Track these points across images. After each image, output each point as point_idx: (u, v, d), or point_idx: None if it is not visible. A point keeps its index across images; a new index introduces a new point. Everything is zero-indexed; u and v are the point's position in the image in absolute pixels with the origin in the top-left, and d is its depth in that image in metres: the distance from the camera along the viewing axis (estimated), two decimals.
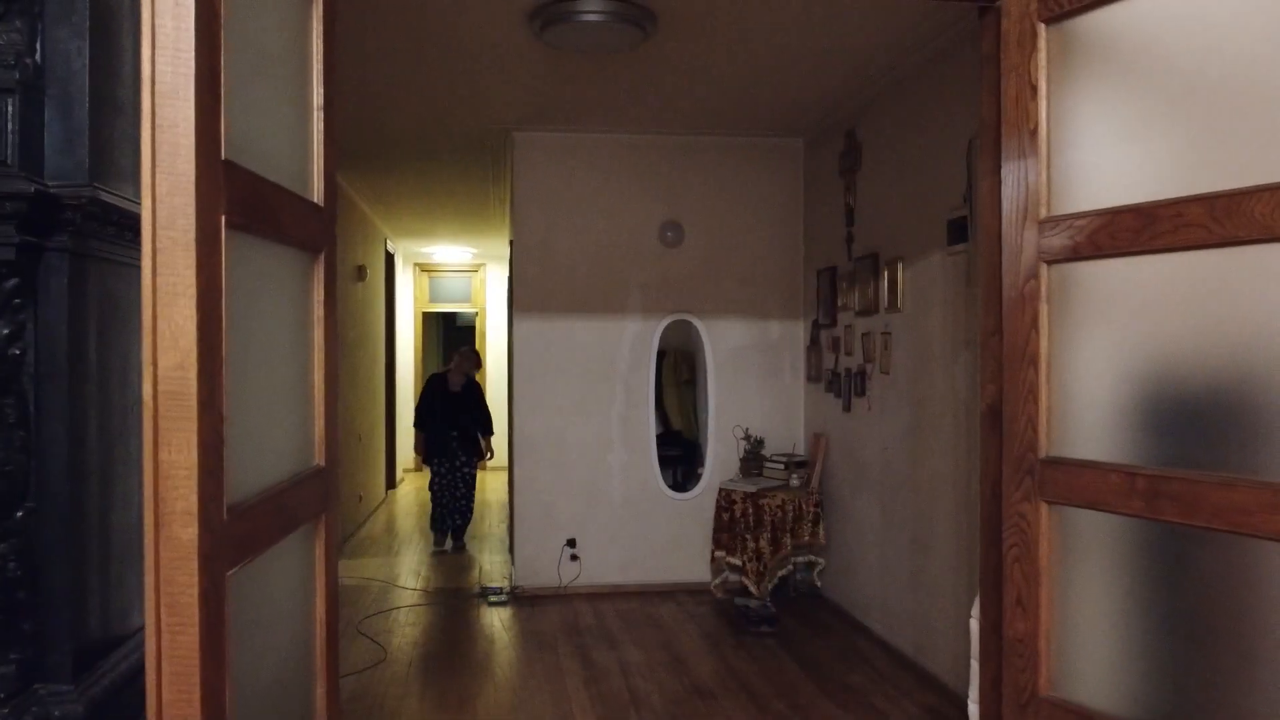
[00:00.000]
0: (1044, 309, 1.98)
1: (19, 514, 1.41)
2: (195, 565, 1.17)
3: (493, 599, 6.17)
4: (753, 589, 5.79)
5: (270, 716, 1.56)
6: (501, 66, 4.84)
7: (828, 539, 5.99)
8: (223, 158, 1.28)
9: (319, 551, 1.77)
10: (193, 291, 1.19)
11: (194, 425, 1.18)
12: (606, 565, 6.37)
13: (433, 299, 13.82)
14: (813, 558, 6.01)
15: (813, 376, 6.33)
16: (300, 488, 1.64)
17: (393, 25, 4.25)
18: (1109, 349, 1.91)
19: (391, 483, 11.20)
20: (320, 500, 1.76)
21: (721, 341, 6.51)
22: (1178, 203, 1.71)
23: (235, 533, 1.30)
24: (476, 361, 8.14)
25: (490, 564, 7.34)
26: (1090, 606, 1.96)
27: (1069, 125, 1.96)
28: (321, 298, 1.78)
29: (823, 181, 6.16)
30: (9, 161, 1.43)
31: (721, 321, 6.49)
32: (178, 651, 1.17)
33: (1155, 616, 1.87)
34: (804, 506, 5.91)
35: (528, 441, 6.35)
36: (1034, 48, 1.98)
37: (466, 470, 7.94)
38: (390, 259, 11.38)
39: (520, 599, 6.20)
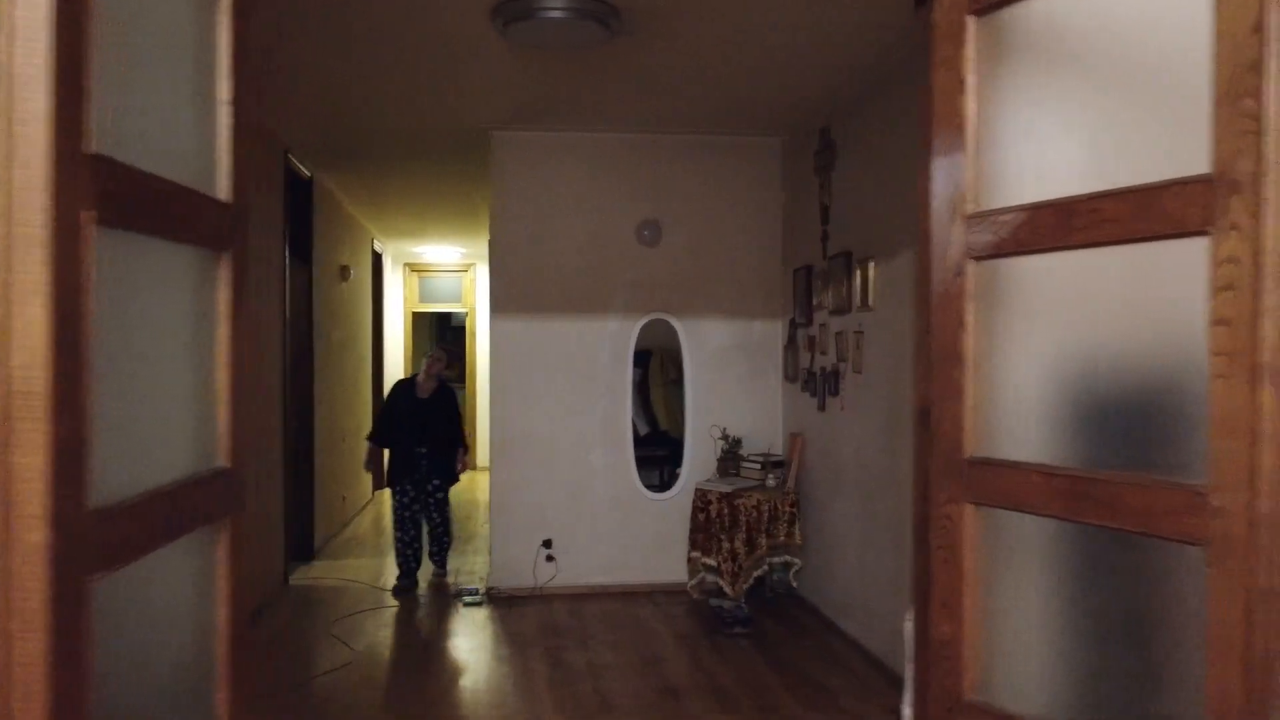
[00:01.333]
0: (970, 306, 1.95)
1: None
2: (45, 570, 1.14)
3: (468, 600, 6.13)
4: (728, 590, 5.76)
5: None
6: (471, 66, 4.81)
7: (804, 539, 5.95)
8: (90, 151, 1.25)
9: (221, 554, 1.73)
10: (47, 289, 1.15)
11: (46, 427, 1.15)
12: (586, 566, 6.34)
13: (423, 299, 13.82)
14: (789, 558, 5.98)
15: (790, 376, 6.29)
16: (197, 489, 1.61)
17: (359, 24, 4.22)
18: (1036, 347, 1.88)
19: (379, 483, 11.17)
20: (224, 502, 1.73)
21: (700, 341, 6.48)
22: (1095, 197, 1.68)
23: (103, 536, 1.27)
24: (449, 363, 7.09)
25: (472, 565, 7.30)
26: (1017, 610, 1.92)
27: (998, 119, 1.93)
28: (228, 296, 1.75)
29: (800, 180, 6.13)
30: None
31: (700, 321, 6.46)
32: (25, 660, 1.13)
33: (1079, 620, 1.83)
34: (780, 507, 5.88)
35: (507, 441, 6.32)
36: (962, 40, 1.95)
37: (439, 494, 6.71)
38: (378, 259, 11.36)
39: (497, 600, 6.17)
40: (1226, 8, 1.47)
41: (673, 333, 6.58)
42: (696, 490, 6.13)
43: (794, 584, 6.06)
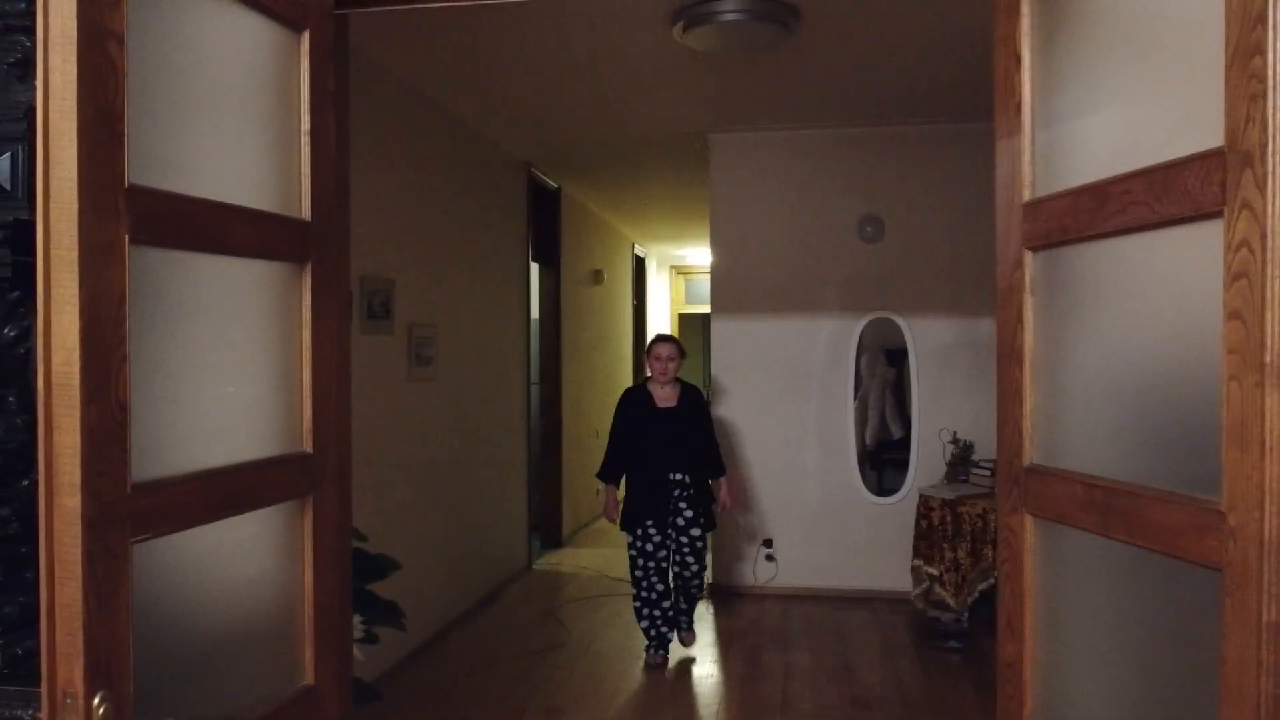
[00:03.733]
0: (1028, 300, 1.80)
1: (24, 483, 1.73)
2: (78, 529, 1.40)
3: None
4: (950, 601, 5.49)
5: (229, 667, 1.80)
6: (666, 73, 4.94)
7: None
8: (126, 185, 1.50)
9: (306, 528, 1.98)
10: (76, 301, 1.41)
11: (77, 413, 1.41)
12: (802, 568, 6.29)
13: (689, 300, 14.20)
14: None
15: None
16: (268, 470, 1.86)
17: (550, 40, 4.48)
18: (1088, 345, 1.71)
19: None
20: (305, 483, 1.97)
21: (925, 340, 6.22)
22: (1127, 178, 1.51)
23: (142, 505, 1.52)
24: (681, 352, 5.12)
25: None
26: (1074, 630, 1.76)
27: (1055, 98, 1.77)
28: (309, 302, 1.99)
29: None
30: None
31: (925, 319, 6.20)
32: (65, 601, 1.40)
33: (1130, 643, 1.65)
34: None
35: (728, 441, 6.40)
36: (1019, 13, 1.81)
37: (695, 532, 4.98)
38: (640, 263, 11.83)
39: (715, 596, 6.27)
40: None
41: None
42: (920, 496, 5.89)
43: None
